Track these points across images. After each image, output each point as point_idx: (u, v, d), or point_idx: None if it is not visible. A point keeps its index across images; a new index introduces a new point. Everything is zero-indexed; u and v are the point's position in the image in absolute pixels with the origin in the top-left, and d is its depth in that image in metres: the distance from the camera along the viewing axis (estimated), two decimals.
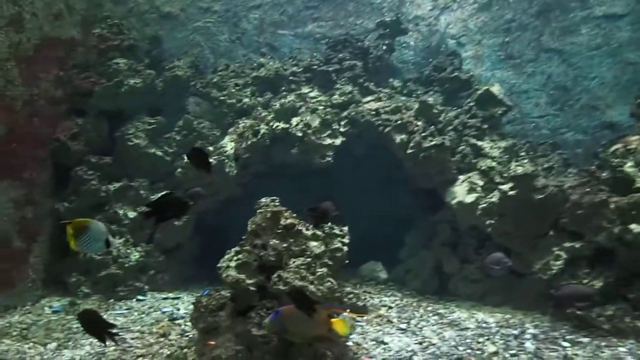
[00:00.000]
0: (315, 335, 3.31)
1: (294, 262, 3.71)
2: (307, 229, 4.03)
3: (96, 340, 4.03)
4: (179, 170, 6.09)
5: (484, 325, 4.66)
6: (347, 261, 4.09)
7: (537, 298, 4.84)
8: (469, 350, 4.03)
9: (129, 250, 5.71)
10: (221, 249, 4.83)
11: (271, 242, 3.74)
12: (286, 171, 6.28)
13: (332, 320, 3.24)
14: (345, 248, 4.05)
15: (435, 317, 4.94)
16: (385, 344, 4.27)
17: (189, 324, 4.59)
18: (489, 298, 5.40)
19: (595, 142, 5.90)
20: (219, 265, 3.79)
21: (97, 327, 3.28)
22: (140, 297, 5.51)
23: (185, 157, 3.33)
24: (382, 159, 6.25)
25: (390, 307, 5.27)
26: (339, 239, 4.06)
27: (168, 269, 6.04)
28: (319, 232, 4.02)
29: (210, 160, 3.20)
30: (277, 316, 3.20)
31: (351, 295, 3.96)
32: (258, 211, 3.95)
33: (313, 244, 3.93)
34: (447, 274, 5.89)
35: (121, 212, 5.86)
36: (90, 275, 5.34)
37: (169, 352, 3.87)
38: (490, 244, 5.56)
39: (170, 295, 5.77)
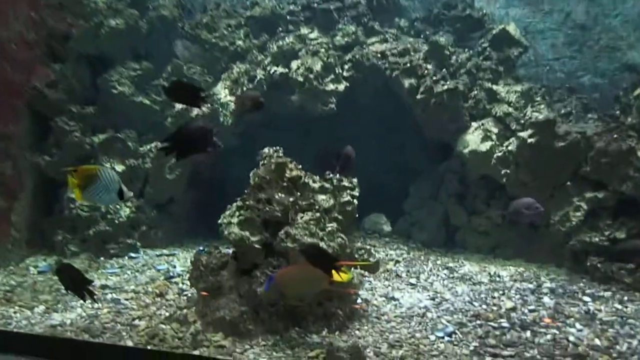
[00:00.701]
0: (317, 292, 3.06)
1: (301, 217, 3.42)
2: (314, 182, 3.72)
3: (88, 302, 3.81)
4: (170, 120, 5.68)
5: (497, 279, 4.48)
6: (357, 215, 3.81)
7: (552, 250, 4.66)
8: (484, 306, 3.85)
9: (118, 206, 5.37)
10: (217, 203, 4.51)
11: (277, 196, 3.42)
12: (285, 120, 5.90)
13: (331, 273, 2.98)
14: (356, 201, 3.76)
15: (446, 271, 4.75)
16: (396, 300, 4.07)
17: (187, 282, 4.35)
18: (499, 251, 5.22)
19: (614, 86, 5.57)
20: (219, 221, 3.48)
21: (76, 283, 3.02)
22: (132, 255, 5.24)
23: (165, 93, 2.87)
24: (387, 106, 5.88)
25: (397, 261, 5.07)
26: (349, 191, 3.76)
27: (161, 225, 5.75)
28: (327, 185, 3.71)
29: (199, 90, 2.77)
30: (272, 283, 2.94)
31: (362, 252, 3.71)
32: (261, 163, 3.61)
33: (321, 197, 3.63)
34: (455, 226, 5.69)
35: (108, 165, 5.47)
36: (77, 233, 5.03)
37: (167, 314, 3.63)
38: (501, 195, 5.33)
39: (165, 251, 5.50)
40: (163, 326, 3.41)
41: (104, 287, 4.18)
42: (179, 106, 5.62)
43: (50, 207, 5.29)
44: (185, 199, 6.02)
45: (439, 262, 5.05)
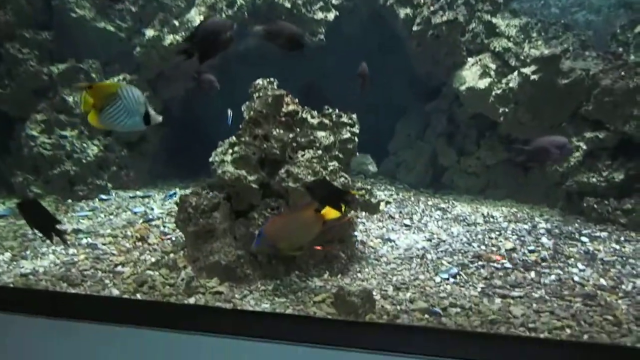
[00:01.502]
0: (313, 237, 2.86)
1: (302, 155, 3.16)
2: (312, 117, 3.43)
3: (60, 248, 3.48)
4: (138, 49, 5.15)
5: (491, 220, 4.43)
6: (357, 154, 3.58)
7: (545, 192, 4.63)
8: (483, 247, 3.78)
9: (85, 144, 4.92)
10: (192, 142, 4.19)
11: (275, 132, 3.13)
12: (265, 52, 5.46)
13: (323, 211, 2.77)
14: (356, 139, 3.51)
15: (439, 212, 4.66)
16: (392, 241, 3.96)
17: (169, 225, 4.08)
18: (489, 192, 5.17)
19: (609, 24, 5.42)
20: (211, 160, 3.18)
21: (43, 221, 2.68)
22: (103, 197, 4.87)
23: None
24: (373, 38, 5.54)
25: (388, 202, 4.94)
26: (348, 128, 3.50)
27: (133, 165, 5.35)
28: (326, 121, 3.44)
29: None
30: (262, 238, 2.72)
31: (363, 191, 3.52)
32: (255, 95, 3.28)
33: (321, 134, 3.37)
34: (443, 167, 5.58)
35: (70, 99, 4.95)
36: (40, 173, 4.58)
37: (153, 259, 3.37)
38: (492, 135, 5.22)
39: (139, 193, 5.15)
40: (151, 272, 3.16)
41: (76, 231, 3.84)
42: (149, 34, 5.09)
43: (6, 146, 4.78)
44: (157, 138, 5.62)
45: (430, 203, 4.95)
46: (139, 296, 2.87)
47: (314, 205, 2.72)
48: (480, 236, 4.02)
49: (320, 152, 3.18)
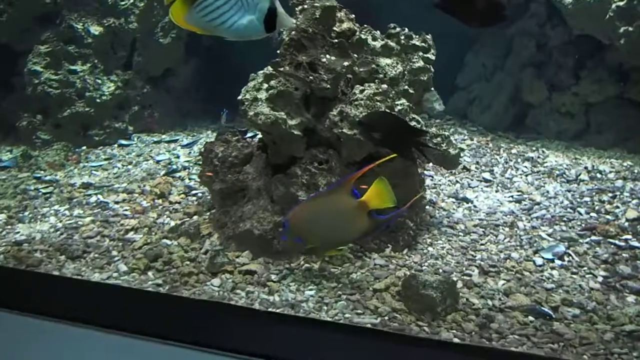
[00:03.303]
0: (357, 233, 2.13)
1: (361, 90, 2.41)
2: (374, 39, 2.64)
3: (64, 207, 2.97)
4: None
5: (599, 176, 3.57)
6: (432, 89, 2.79)
7: None
8: (594, 215, 2.98)
9: (99, 80, 4.33)
10: (225, 75, 3.51)
11: (324, 59, 2.37)
12: None
13: (365, 196, 2.02)
14: (432, 68, 2.71)
15: (527, 164, 3.84)
16: (469, 201, 3.22)
17: (195, 177, 3.49)
18: (590, 138, 4.26)
19: None
20: (240, 98, 2.49)
21: None
22: (123, 142, 4.32)
23: None
24: None
25: (461, 149, 4.13)
26: (422, 53, 2.70)
27: (157, 103, 4.75)
28: (391, 44, 2.64)
29: None
30: (287, 230, 2.08)
31: (438, 139, 2.77)
32: (297, 9, 2.50)
33: (385, 61, 2.58)
34: (528, 105, 4.67)
35: (79, 26, 4.32)
36: (48, 115, 4.05)
37: (172, 223, 2.80)
38: (597, 65, 4.24)
39: (165, 137, 4.57)
40: (167, 242, 2.60)
41: (86, 185, 3.32)
42: None
43: (9, 84, 4.25)
44: (185, 71, 4.96)
45: (514, 151, 4.11)
46: (150, 274, 2.32)
47: (348, 186, 2.00)
48: (587, 199, 3.20)
49: (385, 86, 2.42)
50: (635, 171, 3.60)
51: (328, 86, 2.37)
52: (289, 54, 2.36)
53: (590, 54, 4.32)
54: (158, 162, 3.87)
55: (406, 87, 2.60)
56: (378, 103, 2.33)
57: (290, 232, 2.08)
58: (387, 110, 2.25)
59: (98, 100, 4.18)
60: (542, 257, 2.52)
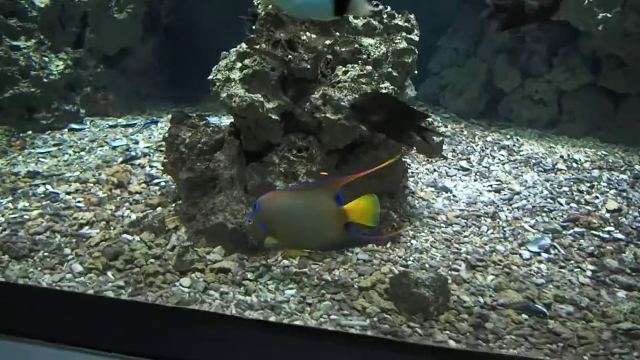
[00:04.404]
0: (328, 241, 1.93)
1: (344, 71, 2.23)
2: (355, 17, 2.46)
3: (7, 200, 2.67)
4: None
5: (574, 165, 3.55)
6: (415, 72, 2.65)
7: None
8: (575, 205, 2.94)
9: (46, 58, 3.96)
10: (185, 55, 3.29)
11: (304, 37, 2.18)
12: None
13: (349, 205, 1.85)
14: (416, 50, 2.56)
15: (503, 152, 3.77)
16: (449, 191, 3.12)
17: (157, 165, 3.24)
18: (563, 126, 4.24)
19: None
20: (210, 77, 2.26)
21: None
22: (74, 127, 3.98)
23: None
24: None
25: (445, 136, 4.03)
26: (404, 34, 2.54)
27: (113, 85, 4.41)
28: (374, 22, 2.47)
29: None
30: (256, 213, 1.91)
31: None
32: None
33: (368, 41, 2.41)
34: (501, 92, 4.62)
35: None
36: None
37: (133, 216, 2.56)
38: (570, 52, 4.22)
39: (121, 121, 4.26)
40: (128, 237, 2.36)
41: (32, 174, 3.00)
42: None
43: None
44: (143, 50, 4.63)
45: (489, 139, 4.04)
46: (110, 275, 2.09)
47: (335, 187, 1.83)
48: (565, 189, 3.16)
49: (369, 67, 2.25)
50: (610, 160, 3.60)
51: (308, 66, 2.19)
52: (265, 30, 2.16)
53: (563, 42, 4.30)
54: (114, 148, 3.57)
55: (390, 69, 2.43)
56: (363, 86, 2.16)
57: (258, 216, 1.90)
58: (384, 92, 2.08)
59: (45, 80, 3.82)
60: (529, 250, 2.44)
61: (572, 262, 2.36)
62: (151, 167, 3.23)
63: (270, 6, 2.17)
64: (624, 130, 3.84)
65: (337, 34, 2.30)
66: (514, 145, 3.88)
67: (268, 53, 2.14)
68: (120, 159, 3.31)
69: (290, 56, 2.14)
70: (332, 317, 1.89)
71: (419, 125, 1.82)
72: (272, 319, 1.86)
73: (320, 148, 2.26)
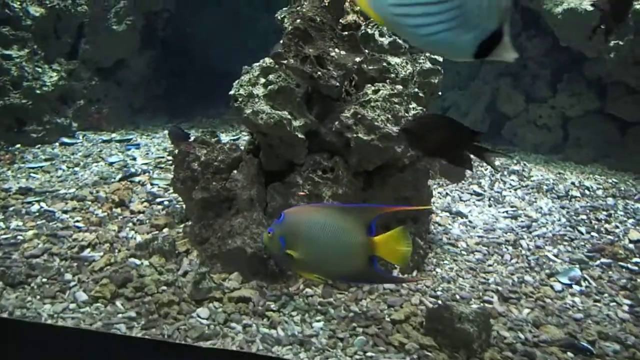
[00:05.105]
0: (351, 269, 1.77)
1: (374, 90, 2.12)
2: (381, 35, 2.36)
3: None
4: None
5: (587, 192, 3.49)
6: (439, 93, 2.56)
7: None
8: (596, 235, 2.86)
9: (39, 69, 3.77)
10: (183, 69, 3.17)
11: (333, 53, 2.06)
12: None
13: (379, 238, 1.72)
14: (442, 70, 2.48)
15: (514, 177, 3.71)
16: (464, 216, 3.02)
17: (158, 182, 3.07)
18: (567, 152, 4.21)
19: None
20: (231, 92, 2.13)
21: None
22: (66, 141, 3.79)
23: None
24: None
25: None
26: (427, 54, 2.46)
27: (107, 98, 4.23)
28: (399, 41, 2.38)
29: None
30: (278, 224, 1.75)
31: None
32: None
33: (395, 60, 2.31)
34: (504, 116, 4.59)
35: (17, 5, 3.75)
36: None
37: (139, 238, 2.38)
38: (572, 78, 4.22)
39: (115, 136, 4.07)
40: (136, 261, 2.18)
41: (24, 191, 2.79)
42: None
43: None
44: (140, 63, 4.47)
45: (497, 163, 3.98)
46: (119, 305, 1.90)
47: (369, 215, 1.70)
48: (583, 216, 3.09)
49: (400, 87, 2.15)
50: (622, 188, 3.56)
51: (337, 84, 2.07)
52: (293, 45, 2.03)
53: (567, 66, 4.30)
54: (111, 164, 3.39)
55: (416, 89, 2.34)
56: (396, 106, 2.05)
57: (281, 227, 1.74)
58: (437, 113, 1.98)
59: (38, 92, 3.62)
60: (560, 282, 2.33)
61: (605, 295, 2.26)
62: (152, 184, 3.06)
63: (298, 20, 2.05)
64: (634, 157, 3.81)
65: (367, 51, 2.20)
66: (523, 170, 3.82)
67: (296, 69, 2.02)
68: (119, 176, 3.12)
69: (319, 73, 2.02)
70: (368, 354, 1.74)
71: (477, 145, 1.71)
72: (303, 355, 1.71)
73: (346, 169, 2.14)
